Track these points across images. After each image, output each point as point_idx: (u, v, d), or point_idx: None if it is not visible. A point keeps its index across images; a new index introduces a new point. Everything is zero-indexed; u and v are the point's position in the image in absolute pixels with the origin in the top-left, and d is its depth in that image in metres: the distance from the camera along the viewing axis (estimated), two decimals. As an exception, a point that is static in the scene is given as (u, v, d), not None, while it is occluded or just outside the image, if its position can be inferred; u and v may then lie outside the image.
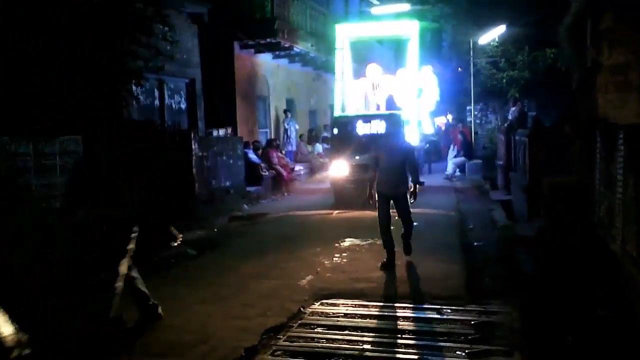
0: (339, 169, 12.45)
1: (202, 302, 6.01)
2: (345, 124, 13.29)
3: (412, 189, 7.39)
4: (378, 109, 16.43)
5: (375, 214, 7.51)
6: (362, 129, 12.97)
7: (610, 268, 5.72)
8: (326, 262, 7.65)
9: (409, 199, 7.39)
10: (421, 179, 10.73)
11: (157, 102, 12.05)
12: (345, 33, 16.75)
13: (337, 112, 15.84)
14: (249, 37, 15.48)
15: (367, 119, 13.22)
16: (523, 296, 5.93)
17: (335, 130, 13.23)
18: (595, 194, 6.92)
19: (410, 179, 7.40)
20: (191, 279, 7.04)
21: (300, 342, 4.93)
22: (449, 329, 5.12)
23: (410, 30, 16.39)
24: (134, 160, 9.24)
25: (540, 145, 9.43)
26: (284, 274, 7.16)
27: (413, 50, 16.35)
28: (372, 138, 12.02)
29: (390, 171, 7.26)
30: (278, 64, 18.09)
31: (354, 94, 16.50)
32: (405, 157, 7.38)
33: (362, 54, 19.49)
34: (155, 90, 11.84)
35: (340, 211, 11.61)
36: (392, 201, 7.38)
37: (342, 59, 16.38)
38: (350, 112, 15.63)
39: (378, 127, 12.82)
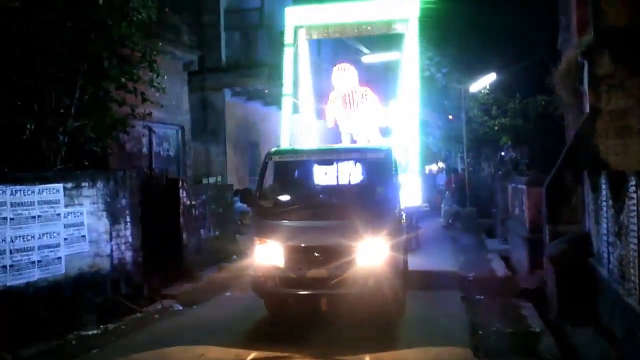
0: (270, 255, 6.66)
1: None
2: (290, 166, 7.79)
3: None
4: (353, 141, 10.28)
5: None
6: (319, 176, 7.94)
7: (627, 322, 5.34)
8: None
9: None
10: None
11: (145, 149, 11.74)
12: (300, 20, 10.53)
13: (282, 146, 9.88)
14: (238, 84, 15.34)
15: (329, 158, 7.75)
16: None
17: (269, 179, 7.61)
18: (602, 244, 6.58)
19: None
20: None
21: None
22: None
23: (408, 13, 10.11)
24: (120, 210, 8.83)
25: (540, 193, 9.14)
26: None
27: (411, 46, 10.16)
28: (338, 193, 7.51)
29: None
30: (269, 111, 17.92)
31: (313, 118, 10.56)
32: None
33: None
34: (143, 137, 11.54)
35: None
36: None
37: (296, 62, 10.55)
38: (298, 144, 9.79)
39: (350, 173, 7.83)
